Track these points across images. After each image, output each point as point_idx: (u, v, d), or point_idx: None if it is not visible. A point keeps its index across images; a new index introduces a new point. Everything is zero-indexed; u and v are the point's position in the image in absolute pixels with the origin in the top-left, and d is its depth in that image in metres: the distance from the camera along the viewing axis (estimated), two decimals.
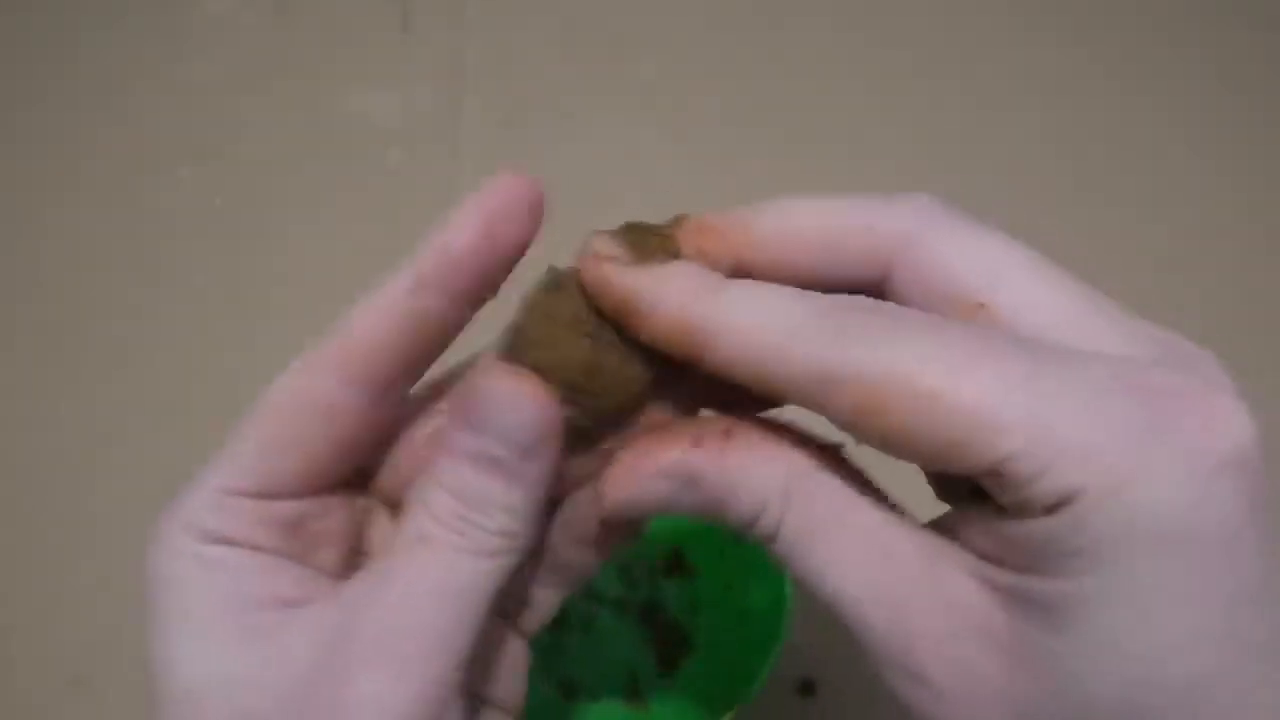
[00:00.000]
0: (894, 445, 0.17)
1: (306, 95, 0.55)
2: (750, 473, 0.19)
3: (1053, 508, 0.16)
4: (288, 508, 0.21)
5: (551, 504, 0.23)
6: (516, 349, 0.21)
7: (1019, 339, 0.17)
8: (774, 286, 0.19)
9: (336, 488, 0.22)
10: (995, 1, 0.58)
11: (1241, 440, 0.16)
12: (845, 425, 0.18)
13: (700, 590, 0.39)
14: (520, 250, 0.21)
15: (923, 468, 0.18)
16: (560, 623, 0.39)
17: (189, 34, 0.57)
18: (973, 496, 0.18)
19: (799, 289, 0.19)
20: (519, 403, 0.20)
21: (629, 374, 0.21)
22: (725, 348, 0.18)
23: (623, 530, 0.23)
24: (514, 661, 0.24)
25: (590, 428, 0.21)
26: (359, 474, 0.23)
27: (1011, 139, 0.54)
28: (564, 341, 0.20)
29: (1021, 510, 0.17)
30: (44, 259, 0.50)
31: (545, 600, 0.24)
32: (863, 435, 0.18)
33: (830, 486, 0.19)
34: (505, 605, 0.24)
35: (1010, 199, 0.52)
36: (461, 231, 0.20)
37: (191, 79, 0.56)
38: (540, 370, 0.20)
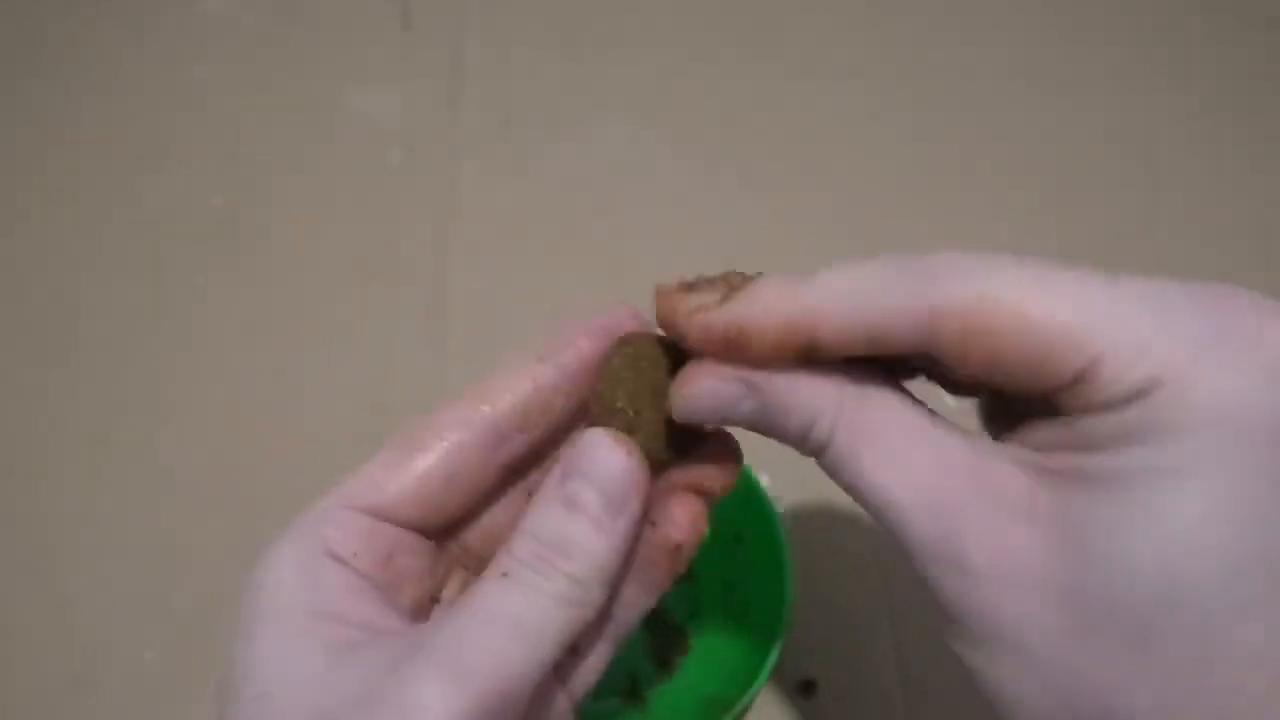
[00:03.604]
0: (1000, 362, 0.19)
1: (306, 95, 0.55)
2: (808, 382, 0.21)
3: (1129, 400, 0.18)
4: (390, 533, 0.23)
5: None
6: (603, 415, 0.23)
7: (1086, 267, 0.19)
8: (848, 264, 0.20)
9: (430, 534, 0.25)
10: (995, 1, 0.58)
11: None
12: (954, 352, 0.19)
13: (700, 590, 0.39)
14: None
15: (1018, 385, 0.19)
16: None
17: (189, 34, 0.57)
18: (1026, 417, 0.20)
19: (876, 258, 0.20)
20: (616, 455, 0.22)
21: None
22: (835, 320, 0.20)
23: (680, 561, 0.24)
24: None
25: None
26: (449, 531, 0.25)
27: (1011, 138, 0.54)
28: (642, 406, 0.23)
29: (1099, 407, 0.18)
30: (43, 258, 0.50)
31: (598, 656, 0.25)
32: (970, 358, 0.19)
33: (882, 396, 0.21)
34: (562, 662, 0.24)
35: (1009, 197, 0.52)
36: (581, 334, 0.24)
37: (191, 79, 0.56)
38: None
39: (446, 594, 0.25)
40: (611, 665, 0.39)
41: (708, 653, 0.38)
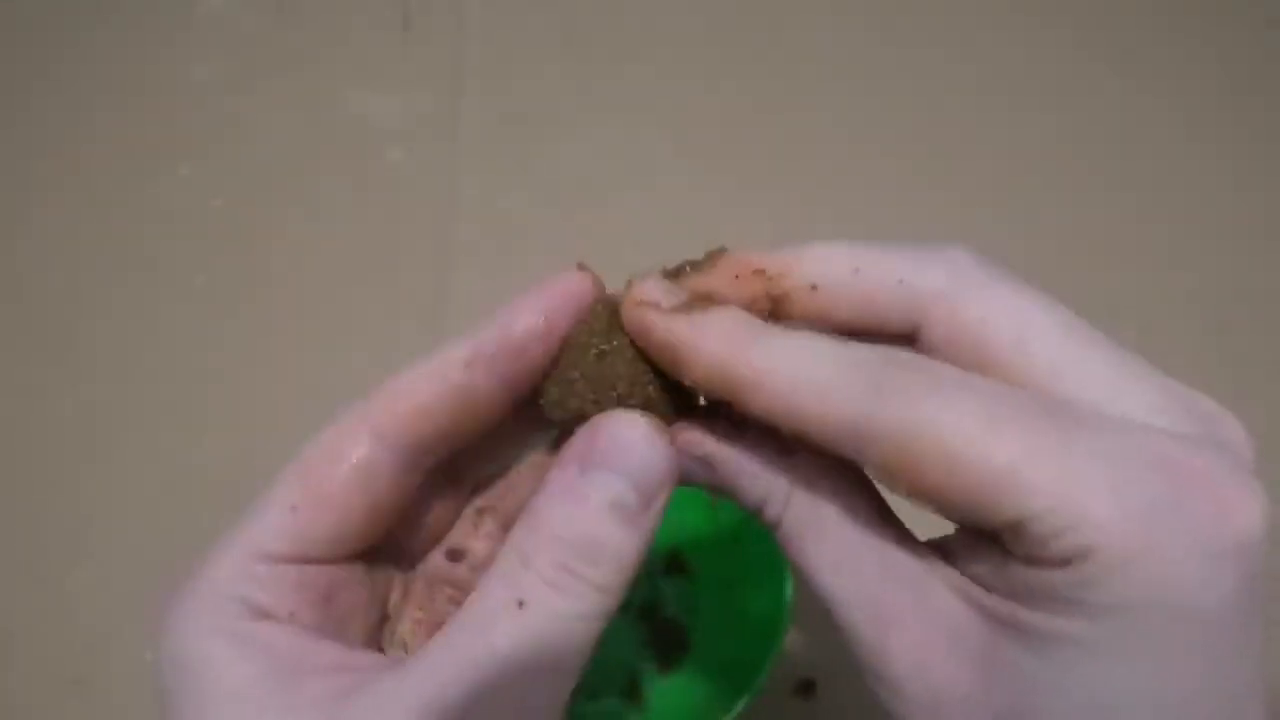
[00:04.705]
0: (924, 499, 0.18)
1: (306, 95, 0.55)
2: (755, 467, 0.20)
3: (1065, 562, 0.17)
4: (322, 574, 0.21)
5: None
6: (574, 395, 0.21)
7: (1049, 401, 0.18)
8: (812, 336, 0.19)
9: (364, 555, 0.22)
10: (996, 2, 0.58)
11: (1250, 526, 0.17)
12: (879, 476, 0.18)
13: (700, 590, 0.39)
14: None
15: (947, 518, 0.19)
16: None
17: (189, 34, 0.57)
18: (979, 532, 0.19)
19: (837, 338, 0.19)
20: (653, 444, 0.19)
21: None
22: (764, 398, 0.18)
23: None
24: None
25: None
26: (384, 544, 0.23)
27: (1011, 139, 0.54)
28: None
29: (1034, 560, 0.17)
30: (44, 258, 0.50)
31: None
32: (894, 487, 0.18)
33: (833, 490, 0.20)
34: None
35: (1009, 198, 0.52)
36: (522, 316, 0.21)
37: (191, 79, 0.56)
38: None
39: (392, 606, 0.23)
40: (611, 665, 0.39)
41: (708, 653, 0.38)
